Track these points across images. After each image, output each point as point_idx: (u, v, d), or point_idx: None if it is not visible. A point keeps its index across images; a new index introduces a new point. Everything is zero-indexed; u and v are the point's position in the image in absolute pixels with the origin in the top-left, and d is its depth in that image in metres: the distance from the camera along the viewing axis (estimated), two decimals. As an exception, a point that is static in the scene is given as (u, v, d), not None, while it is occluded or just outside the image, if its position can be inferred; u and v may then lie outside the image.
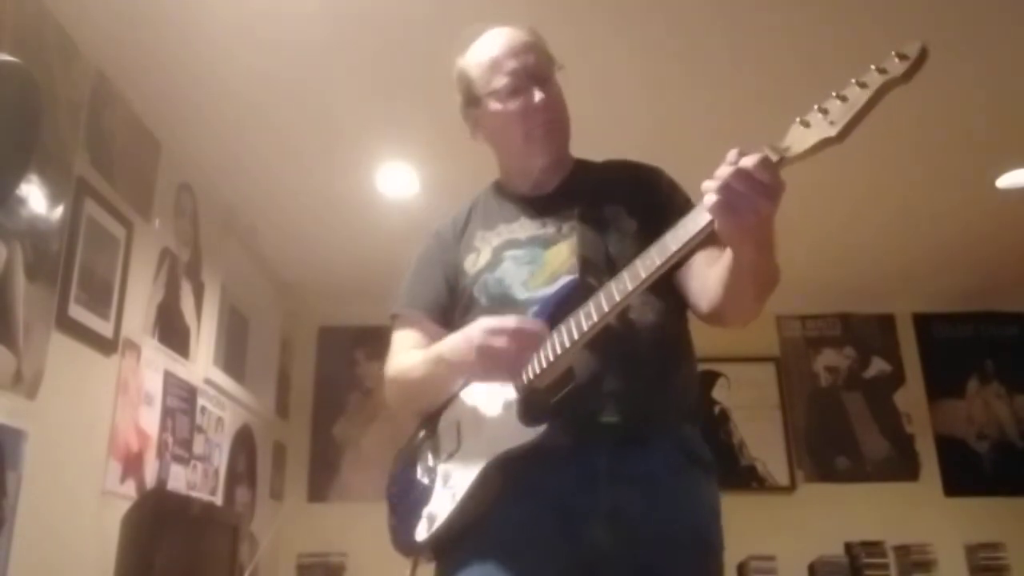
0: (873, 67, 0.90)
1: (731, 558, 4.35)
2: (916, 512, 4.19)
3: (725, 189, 0.94)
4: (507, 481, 1.15)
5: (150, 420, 2.68)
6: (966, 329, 4.58)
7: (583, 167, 1.43)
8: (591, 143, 1.44)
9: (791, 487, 4.29)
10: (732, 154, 0.96)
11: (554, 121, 1.35)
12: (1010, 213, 3.50)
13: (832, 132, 0.91)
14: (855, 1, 2.30)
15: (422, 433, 1.34)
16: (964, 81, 2.63)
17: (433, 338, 1.31)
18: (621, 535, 1.12)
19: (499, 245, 1.34)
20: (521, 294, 1.26)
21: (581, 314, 1.11)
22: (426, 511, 1.23)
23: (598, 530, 1.13)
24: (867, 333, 4.60)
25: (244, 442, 3.65)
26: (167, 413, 2.80)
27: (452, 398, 1.28)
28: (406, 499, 1.29)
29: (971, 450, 4.38)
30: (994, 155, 3.12)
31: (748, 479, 4.33)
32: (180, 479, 2.89)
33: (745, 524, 4.09)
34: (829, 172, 3.13)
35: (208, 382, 3.20)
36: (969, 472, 4.32)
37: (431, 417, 1.32)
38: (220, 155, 3.00)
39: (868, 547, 4.01)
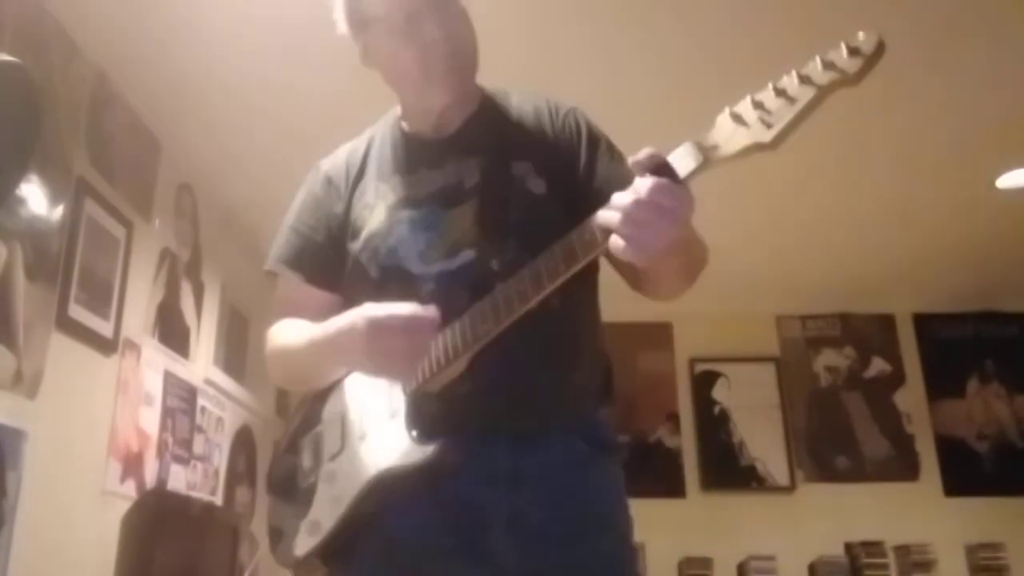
0: (819, 59, 0.78)
1: (731, 558, 4.36)
2: (916, 512, 4.19)
3: (627, 224, 0.88)
4: (398, 493, 1.05)
5: (150, 420, 2.68)
6: (966, 329, 4.57)
7: (490, 104, 1.26)
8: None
9: (791, 487, 4.29)
10: (641, 153, 0.89)
11: (456, 55, 1.17)
12: (1010, 213, 3.49)
13: (766, 137, 0.81)
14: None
15: (305, 418, 1.22)
16: (964, 81, 2.62)
17: (316, 303, 1.19)
18: (523, 537, 1.05)
19: (394, 203, 1.18)
20: (416, 268, 1.12)
21: (477, 314, 1.01)
22: (307, 520, 1.11)
23: (498, 535, 1.05)
24: (867, 333, 4.60)
25: (244, 442, 3.64)
26: (167, 413, 2.80)
27: (337, 385, 1.17)
28: (286, 502, 1.17)
29: (971, 450, 4.38)
30: (994, 155, 3.12)
31: (748, 479, 4.33)
32: (180, 479, 2.89)
33: (745, 524, 4.13)
34: (828, 172, 3.13)
35: (208, 382, 3.20)
36: (969, 472, 4.32)
37: (315, 401, 1.20)
38: (220, 155, 3.00)
39: (868, 547, 4.01)
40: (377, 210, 1.18)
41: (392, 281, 1.13)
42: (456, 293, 1.06)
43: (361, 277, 1.17)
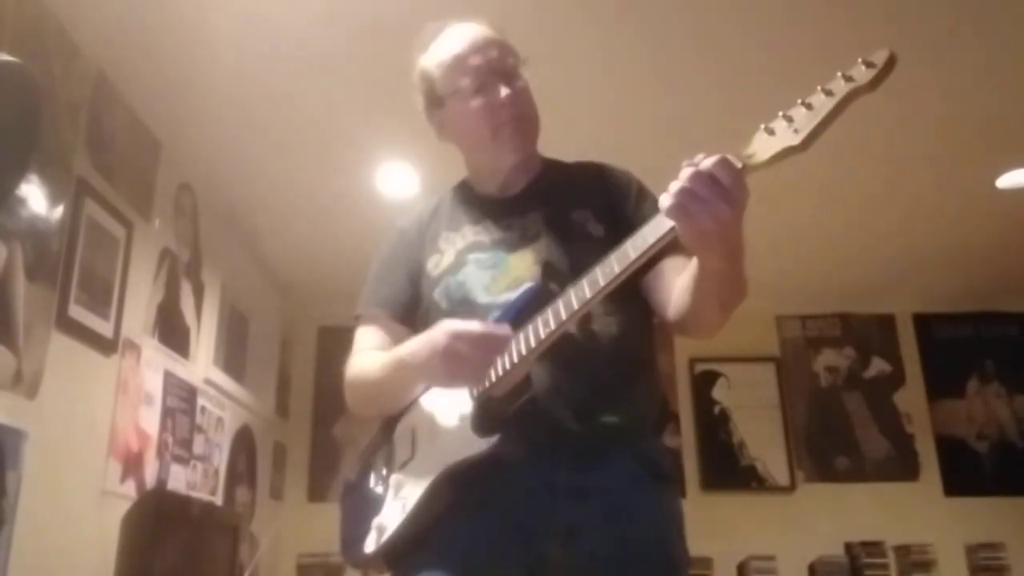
0: (839, 74, 0.88)
1: (731, 558, 4.35)
2: (916, 512, 4.19)
3: (682, 192, 0.93)
4: (458, 493, 1.12)
5: (150, 420, 2.68)
6: (966, 329, 4.58)
7: (552, 168, 1.39)
8: (558, 139, 1.41)
9: (791, 487, 4.29)
10: (697, 158, 0.95)
11: (523, 117, 1.31)
12: (1010, 213, 3.50)
13: (795, 141, 0.89)
14: None
15: (378, 439, 1.31)
16: (964, 81, 2.62)
17: (395, 337, 1.28)
18: (578, 552, 1.10)
19: (463, 248, 1.30)
20: (482, 298, 1.23)
21: (539, 321, 1.08)
22: (376, 522, 1.21)
23: (554, 546, 1.10)
24: (867, 333, 4.61)
25: (244, 442, 3.65)
26: (167, 413, 2.80)
27: (412, 404, 1.25)
28: (358, 508, 1.26)
29: (971, 450, 4.38)
30: (994, 155, 3.12)
31: (748, 479, 4.33)
32: (180, 479, 2.89)
33: (745, 524, 4.13)
34: (829, 173, 3.13)
35: (208, 382, 3.21)
36: (969, 472, 4.33)
37: (389, 422, 1.30)
38: (220, 155, 3.00)
39: (868, 547, 4.01)
40: (447, 253, 1.32)
41: (460, 311, 1.22)
42: (519, 315, 1.13)
43: (434, 310, 1.28)
